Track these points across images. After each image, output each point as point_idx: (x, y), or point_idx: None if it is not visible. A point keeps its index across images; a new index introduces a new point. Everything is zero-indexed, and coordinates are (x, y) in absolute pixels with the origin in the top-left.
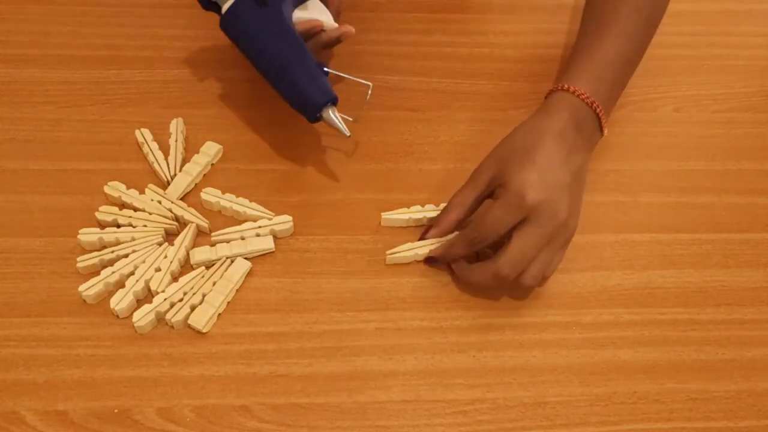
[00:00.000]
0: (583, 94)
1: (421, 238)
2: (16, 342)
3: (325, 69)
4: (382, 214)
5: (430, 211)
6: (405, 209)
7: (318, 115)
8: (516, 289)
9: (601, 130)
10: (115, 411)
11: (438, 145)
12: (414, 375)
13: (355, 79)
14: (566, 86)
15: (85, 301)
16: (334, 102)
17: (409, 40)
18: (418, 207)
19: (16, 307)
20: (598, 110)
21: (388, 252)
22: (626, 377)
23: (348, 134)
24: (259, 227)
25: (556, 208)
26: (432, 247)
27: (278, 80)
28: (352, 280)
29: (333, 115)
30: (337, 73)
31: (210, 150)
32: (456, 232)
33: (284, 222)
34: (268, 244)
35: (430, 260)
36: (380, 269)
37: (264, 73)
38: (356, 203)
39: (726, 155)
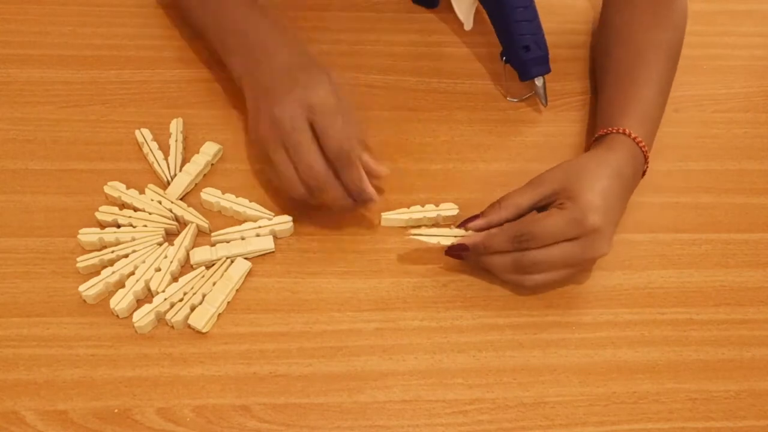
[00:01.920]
0: (637, 138)
1: (462, 227)
2: (16, 342)
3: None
4: (381, 214)
5: (429, 211)
6: (405, 209)
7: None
8: (516, 285)
9: (644, 173)
10: (115, 411)
11: (438, 145)
12: (414, 375)
13: None
14: (626, 131)
15: (85, 301)
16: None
17: (409, 40)
18: (418, 207)
19: (16, 307)
20: (647, 155)
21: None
22: (626, 377)
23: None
24: (259, 227)
25: (605, 240)
26: (450, 239)
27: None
28: (352, 280)
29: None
30: None
31: (210, 150)
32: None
33: (284, 222)
34: (268, 244)
35: (457, 249)
36: (380, 269)
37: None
38: None
39: (726, 155)
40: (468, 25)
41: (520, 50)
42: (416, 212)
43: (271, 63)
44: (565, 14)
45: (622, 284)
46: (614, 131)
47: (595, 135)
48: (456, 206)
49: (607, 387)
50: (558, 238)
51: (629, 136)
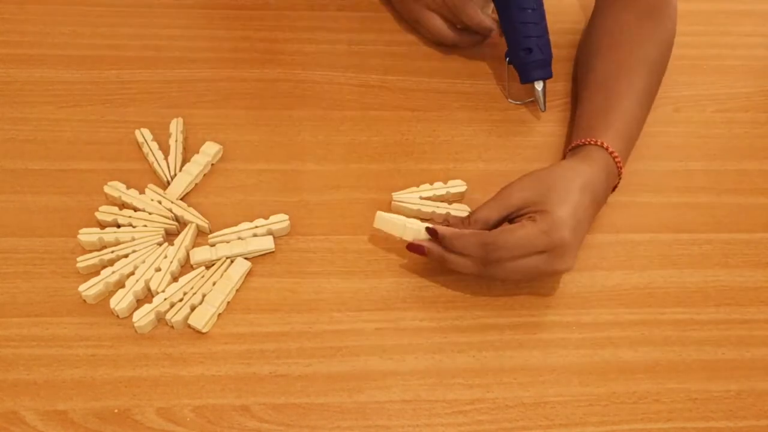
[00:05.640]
0: (614, 152)
1: (431, 234)
2: (16, 342)
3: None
4: (393, 194)
5: (438, 188)
6: (414, 188)
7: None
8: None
9: (614, 188)
10: (115, 411)
11: (438, 145)
12: (414, 375)
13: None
14: (602, 143)
15: (85, 301)
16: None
17: (409, 40)
18: (427, 185)
19: (16, 307)
20: (620, 171)
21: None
22: (626, 377)
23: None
24: (256, 227)
25: (571, 255)
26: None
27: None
28: (352, 280)
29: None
30: None
31: (210, 150)
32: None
33: (281, 221)
34: (268, 244)
35: (416, 248)
36: (380, 269)
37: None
38: (356, 203)
39: (726, 155)
40: None
41: (522, 52)
42: (425, 190)
43: None
44: (565, 14)
45: (622, 284)
46: (591, 143)
47: (571, 144)
48: (464, 183)
49: (607, 387)
50: (526, 250)
51: (606, 149)
